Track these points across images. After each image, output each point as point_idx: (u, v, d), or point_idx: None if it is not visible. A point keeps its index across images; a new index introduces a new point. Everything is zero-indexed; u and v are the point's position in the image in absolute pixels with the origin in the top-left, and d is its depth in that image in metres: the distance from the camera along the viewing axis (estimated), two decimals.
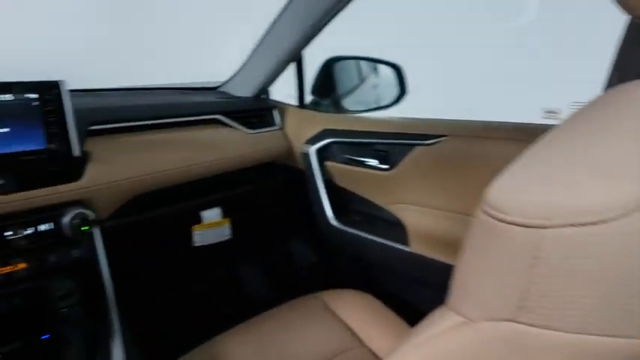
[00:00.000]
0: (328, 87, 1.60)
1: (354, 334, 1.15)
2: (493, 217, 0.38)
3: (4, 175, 0.95)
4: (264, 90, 1.62)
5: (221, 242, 1.44)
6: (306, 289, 1.77)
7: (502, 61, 3.28)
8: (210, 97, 1.54)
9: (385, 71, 1.48)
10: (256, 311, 1.26)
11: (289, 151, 1.57)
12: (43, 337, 0.94)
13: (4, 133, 0.95)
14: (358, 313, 1.22)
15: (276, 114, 1.59)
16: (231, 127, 1.43)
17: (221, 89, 1.68)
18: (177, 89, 1.60)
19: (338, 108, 1.61)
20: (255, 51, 1.53)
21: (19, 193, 0.96)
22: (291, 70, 1.55)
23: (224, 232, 1.42)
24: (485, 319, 0.40)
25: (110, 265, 1.09)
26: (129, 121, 1.19)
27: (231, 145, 1.39)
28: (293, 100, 1.67)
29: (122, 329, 0.99)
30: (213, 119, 1.41)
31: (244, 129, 1.46)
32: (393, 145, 1.33)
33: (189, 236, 1.34)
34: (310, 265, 1.81)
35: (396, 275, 1.43)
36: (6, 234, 0.95)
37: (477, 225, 0.41)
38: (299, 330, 1.16)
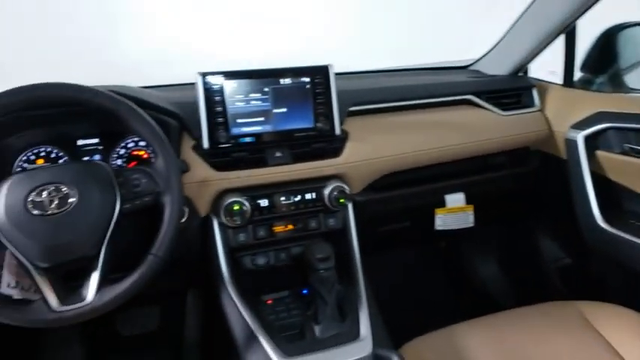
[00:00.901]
0: (606, 61, 1.35)
1: (617, 355, 0.97)
2: None
3: (281, 148, 1.10)
4: (522, 67, 1.47)
5: (462, 229, 1.38)
6: (554, 293, 1.59)
7: None
8: (461, 77, 1.48)
9: None
10: (493, 307, 1.18)
11: (548, 136, 1.40)
12: (304, 291, 1.07)
13: (282, 112, 1.10)
14: (622, 331, 1.03)
15: (535, 94, 1.43)
16: (483, 108, 1.35)
17: (472, 68, 1.60)
18: (428, 69, 1.60)
19: (618, 86, 1.34)
20: (515, 24, 1.40)
21: (291, 165, 1.10)
22: (555, 44, 1.37)
23: (467, 219, 1.36)
24: None
25: (358, 236, 1.17)
26: (385, 102, 1.24)
27: (483, 127, 1.31)
28: (556, 79, 1.47)
29: (368, 296, 1.06)
30: (465, 100, 1.35)
31: (497, 110, 1.36)
32: None
33: (431, 219, 1.33)
34: (562, 267, 1.60)
35: None
36: (281, 199, 1.10)
37: None
38: (550, 338, 1.03)
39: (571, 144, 1.32)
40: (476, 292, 1.85)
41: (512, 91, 1.41)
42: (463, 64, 1.62)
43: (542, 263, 1.65)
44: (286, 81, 1.09)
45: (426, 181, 1.31)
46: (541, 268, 1.65)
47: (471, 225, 1.37)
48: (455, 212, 1.34)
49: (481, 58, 1.58)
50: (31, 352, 1.53)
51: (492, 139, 1.32)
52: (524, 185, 1.50)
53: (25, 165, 1.03)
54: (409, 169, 1.25)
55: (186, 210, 1.02)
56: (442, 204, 1.33)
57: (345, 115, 1.17)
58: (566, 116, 1.36)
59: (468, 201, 1.36)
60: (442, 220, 1.34)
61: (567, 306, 1.13)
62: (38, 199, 0.77)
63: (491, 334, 1.07)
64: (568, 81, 1.43)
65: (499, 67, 1.49)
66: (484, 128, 1.32)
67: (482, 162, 1.39)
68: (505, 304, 1.75)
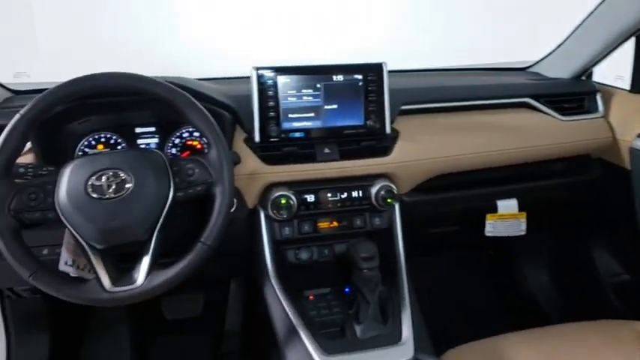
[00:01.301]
0: None
1: None
2: None
3: (330, 145, 1.10)
4: (586, 71, 1.40)
5: (512, 237, 1.33)
6: (609, 310, 1.50)
7: None
8: (519, 79, 1.43)
9: None
10: (541, 320, 1.13)
11: (611, 145, 1.32)
12: (346, 289, 1.06)
13: (333, 109, 1.09)
14: None
15: (599, 99, 1.36)
16: (541, 112, 1.30)
17: (532, 69, 1.54)
18: (485, 70, 1.55)
19: None
20: (581, 25, 1.33)
21: (340, 162, 1.10)
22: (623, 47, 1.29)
23: (519, 227, 1.31)
24: None
25: (403, 238, 1.15)
26: (437, 102, 1.21)
27: (541, 132, 1.26)
28: (623, 84, 1.39)
29: (411, 299, 1.04)
30: (523, 103, 1.30)
31: (557, 115, 1.30)
32: None
33: (481, 224, 1.29)
34: (619, 283, 1.51)
35: None
36: (328, 195, 1.10)
37: None
38: (603, 358, 0.97)
39: (637, 153, 1.25)
40: (523, 302, 1.78)
41: (574, 95, 1.35)
42: (522, 66, 1.56)
43: (597, 277, 1.57)
44: (339, 78, 1.08)
45: (478, 185, 1.27)
46: (596, 283, 1.57)
47: (523, 233, 1.32)
48: (506, 219, 1.30)
49: (541, 59, 1.51)
50: (82, 330, 1.61)
51: (550, 144, 1.26)
52: (582, 194, 1.42)
53: (87, 150, 1.08)
54: (460, 172, 1.22)
55: (235, 201, 1.04)
56: (493, 209, 1.29)
57: (397, 113, 1.15)
58: (633, 124, 1.28)
59: (521, 208, 1.31)
60: (492, 227, 1.29)
61: (624, 325, 1.06)
62: (97, 183, 0.80)
63: (540, 348, 1.03)
64: (636, 87, 1.35)
65: (561, 70, 1.42)
66: (542, 133, 1.26)
67: (538, 168, 1.33)
68: (554, 317, 1.68)
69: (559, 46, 1.44)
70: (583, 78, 1.42)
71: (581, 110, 1.34)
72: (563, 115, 1.30)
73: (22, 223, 0.79)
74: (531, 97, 1.30)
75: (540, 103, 1.30)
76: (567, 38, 1.40)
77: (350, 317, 0.99)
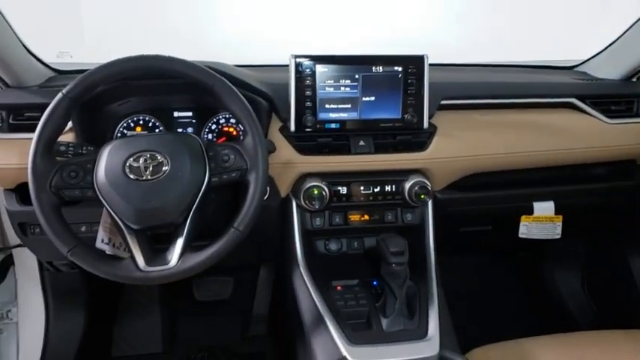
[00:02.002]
0: None
1: None
2: None
3: (366, 137, 1.09)
4: (637, 72, 1.33)
5: (545, 240, 1.29)
6: None
7: None
8: (565, 78, 1.37)
9: None
10: (571, 326, 1.10)
11: None
12: (374, 282, 1.06)
13: (370, 101, 1.08)
14: None
15: None
16: (587, 113, 1.25)
17: (579, 69, 1.48)
18: (529, 67, 1.49)
19: None
20: (634, 24, 1.27)
21: (374, 155, 1.09)
22: None
23: (554, 231, 1.27)
24: None
25: (434, 235, 1.13)
26: (478, 98, 1.18)
27: (585, 134, 1.22)
28: None
29: (439, 297, 1.03)
30: (567, 103, 1.25)
31: (603, 117, 1.25)
32: None
33: (515, 225, 1.26)
34: None
35: None
36: (361, 188, 1.09)
37: None
38: None
39: None
40: (553, 307, 1.74)
41: (623, 97, 1.29)
42: (569, 65, 1.50)
43: (631, 286, 1.51)
44: (378, 69, 1.07)
45: (514, 185, 1.24)
46: (630, 292, 1.51)
47: (558, 237, 1.28)
48: (542, 222, 1.26)
49: (590, 59, 1.45)
50: (116, 307, 1.67)
51: (594, 147, 1.22)
52: (624, 201, 1.37)
53: (125, 131, 1.10)
54: (497, 171, 1.19)
55: (268, 189, 1.04)
56: (528, 211, 1.25)
57: (436, 108, 1.13)
58: None
59: (557, 211, 1.27)
60: (527, 229, 1.26)
61: None
62: (135, 165, 0.82)
63: (568, 353, 1.00)
64: None
65: (610, 71, 1.36)
66: (586, 135, 1.22)
67: (579, 171, 1.29)
68: (584, 324, 1.64)
69: (609, 45, 1.38)
70: (634, 80, 1.36)
71: (630, 113, 1.28)
72: (610, 117, 1.25)
73: (62, 199, 0.82)
74: (577, 97, 1.25)
75: (586, 104, 1.25)
76: (619, 37, 1.33)
77: (377, 310, 0.99)
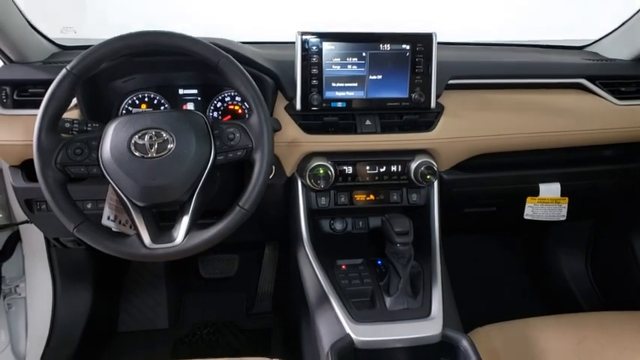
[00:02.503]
0: None
1: None
2: None
3: (372, 117, 1.08)
4: None
5: (549, 222, 1.29)
6: None
7: None
8: (575, 58, 1.35)
9: None
10: (573, 307, 1.11)
11: None
12: (378, 262, 1.06)
13: (377, 80, 1.07)
14: None
15: None
16: (596, 94, 1.23)
17: (590, 49, 1.45)
18: (538, 47, 1.47)
19: None
20: None
21: (380, 135, 1.08)
22: None
23: (560, 212, 1.27)
24: None
25: (439, 215, 1.13)
26: (486, 78, 1.17)
27: (593, 116, 1.20)
28: None
29: (443, 276, 1.03)
30: (576, 84, 1.23)
31: (612, 99, 1.23)
32: None
33: (520, 207, 1.25)
34: None
35: None
36: (366, 168, 1.09)
37: None
38: (636, 349, 0.95)
39: None
40: (556, 289, 1.75)
41: (634, 78, 1.27)
42: (579, 45, 1.47)
43: (635, 268, 1.51)
44: (386, 47, 1.05)
45: (520, 166, 1.24)
46: (634, 274, 1.52)
47: (563, 218, 1.28)
48: (547, 203, 1.25)
49: (601, 39, 1.42)
50: (122, 283, 1.69)
51: (602, 129, 1.20)
52: (630, 183, 1.36)
53: (130, 108, 1.09)
54: (503, 152, 1.18)
55: (274, 168, 1.04)
56: (534, 192, 1.25)
57: (443, 87, 1.11)
58: None
59: (563, 193, 1.26)
60: (532, 210, 1.26)
61: None
62: (140, 142, 0.81)
63: (570, 333, 1.01)
64: None
65: (622, 51, 1.33)
66: (594, 117, 1.20)
67: (586, 153, 1.28)
68: (586, 305, 1.65)
69: (621, 26, 1.35)
70: None
71: None
72: (620, 99, 1.23)
73: (68, 176, 0.82)
74: (586, 78, 1.23)
75: (595, 85, 1.23)
76: (631, 17, 1.30)
77: (380, 289, 1.00)
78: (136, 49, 0.85)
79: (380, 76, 1.06)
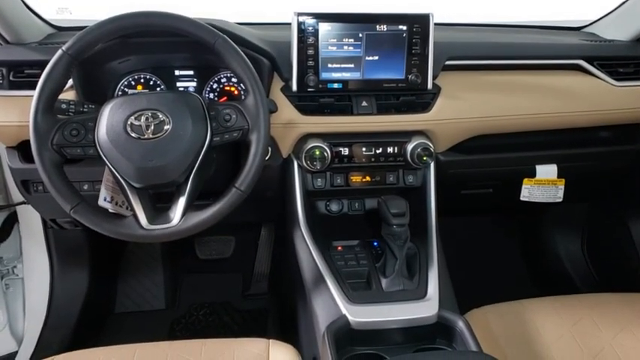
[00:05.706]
0: None
1: None
2: None
3: (368, 98, 1.07)
4: None
5: (545, 204, 1.30)
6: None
7: None
8: (573, 39, 1.34)
9: None
10: (569, 288, 1.12)
11: None
12: (374, 243, 1.07)
13: (374, 61, 1.06)
14: None
15: None
16: (593, 75, 1.22)
17: (588, 30, 1.44)
18: (536, 27, 1.46)
19: None
20: None
21: (376, 116, 1.07)
22: None
23: (556, 194, 1.27)
24: None
25: (436, 197, 1.14)
26: (484, 59, 1.16)
27: (591, 97, 1.20)
28: None
29: (439, 258, 1.04)
30: (574, 65, 1.22)
31: (610, 80, 1.22)
32: None
33: (516, 188, 1.26)
34: None
35: None
36: (362, 149, 1.09)
37: None
38: (630, 330, 0.97)
39: None
40: (552, 270, 1.77)
41: (632, 59, 1.26)
42: (577, 25, 1.46)
43: (631, 251, 1.53)
44: (382, 27, 1.04)
45: (517, 148, 1.24)
46: (629, 256, 1.53)
47: (560, 200, 1.28)
48: (544, 185, 1.26)
49: (599, 19, 1.41)
50: (119, 264, 1.70)
51: (600, 110, 1.20)
52: (627, 165, 1.36)
53: (126, 89, 1.09)
54: (500, 134, 1.18)
55: (270, 149, 1.04)
56: (531, 174, 1.25)
57: (440, 69, 1.11)
58: None
59: (559, 174, 1.27)
60: (528, 192, 1.26)
61: None
62: (137, 123, 0.81)
63: (566, 314, 1.03)
64: None
65: (620, 32, 1.32)
66: (592, 98, 1.20)
67: (582, 134, 1.28)
68: (582, 287, 1.66)
69: (620, 6, 1.34)
70: None
71: (638, 76, 1.25)
72: (618, 80, 1.22)
73: (64, 157, 0.82)
74: (584, 59, 1.22)
75: (593, 66, 1.22)
76: None
77: (377, 270, 1.00)
78: (132, 29, 0.84)
79: (376, 57, 1.06)
